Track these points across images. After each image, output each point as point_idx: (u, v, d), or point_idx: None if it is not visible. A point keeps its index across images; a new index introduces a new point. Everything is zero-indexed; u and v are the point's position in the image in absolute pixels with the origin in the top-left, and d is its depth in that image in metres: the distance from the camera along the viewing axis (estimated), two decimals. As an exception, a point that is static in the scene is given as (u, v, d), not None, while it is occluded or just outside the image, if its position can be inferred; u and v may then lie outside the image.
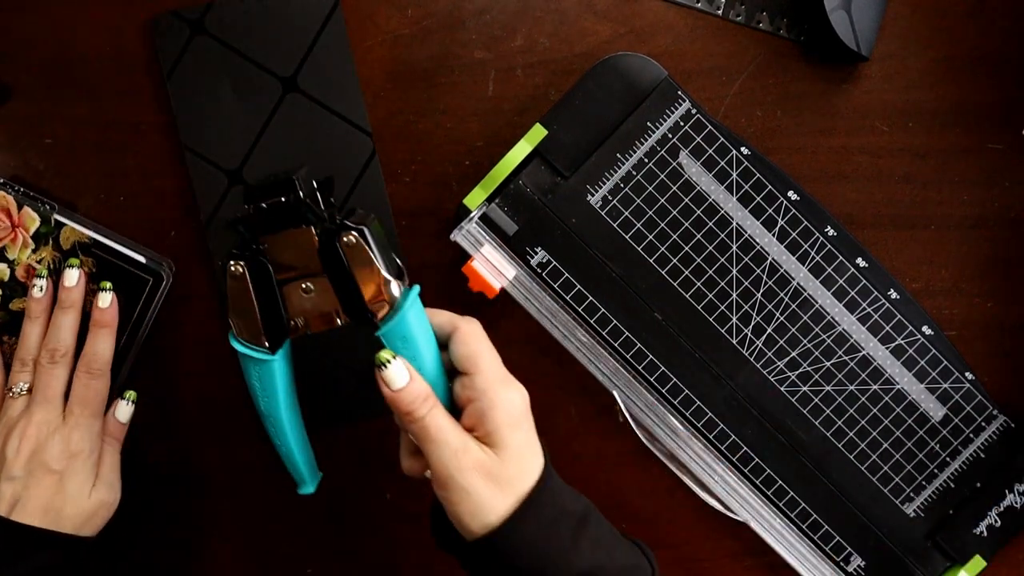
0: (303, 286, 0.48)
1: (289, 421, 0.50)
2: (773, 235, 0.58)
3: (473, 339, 0.46)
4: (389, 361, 0.44)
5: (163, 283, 0.58)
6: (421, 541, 0.61)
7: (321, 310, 0.48)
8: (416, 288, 0.48)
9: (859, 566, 0.58)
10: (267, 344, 0.48)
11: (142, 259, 0.58)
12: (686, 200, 0.58)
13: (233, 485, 0.61)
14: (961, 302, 0.60)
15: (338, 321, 0.48)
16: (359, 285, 0.47)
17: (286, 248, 0.47)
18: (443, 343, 0.48)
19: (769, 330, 0.58)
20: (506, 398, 0.45)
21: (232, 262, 0.47)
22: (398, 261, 0.48)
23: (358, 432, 0.61)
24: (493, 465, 0.43)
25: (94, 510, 0.53)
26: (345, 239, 0.47)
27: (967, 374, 0.58)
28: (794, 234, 0.58)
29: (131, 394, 0.56)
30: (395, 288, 0.47)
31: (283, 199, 0.46)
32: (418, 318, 0.47)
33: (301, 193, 0.46)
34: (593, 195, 0.57)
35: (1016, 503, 0.58)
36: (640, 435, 0.59)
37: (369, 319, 0.47)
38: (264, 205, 0.46)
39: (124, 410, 0.56)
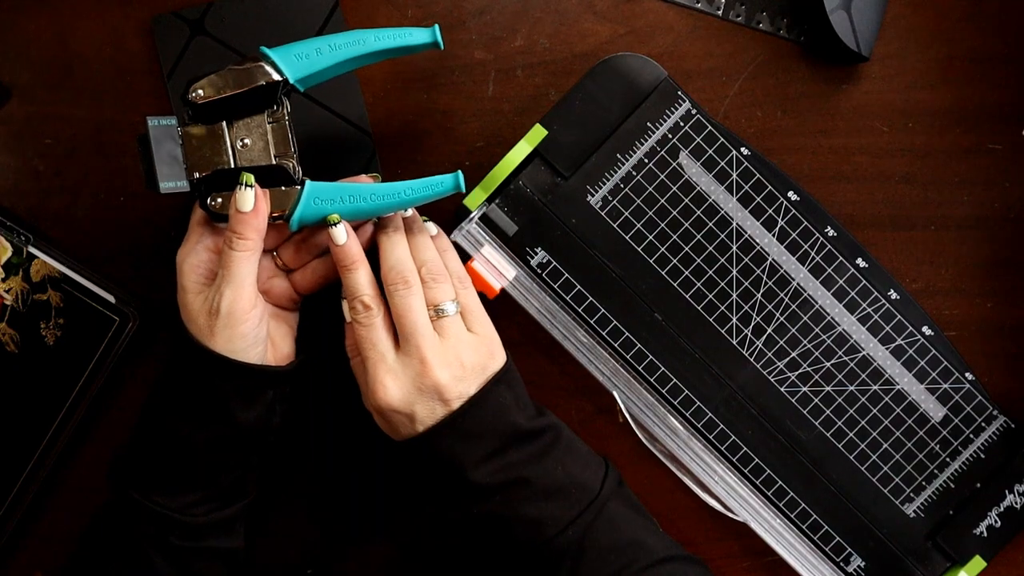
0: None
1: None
2: (773, 235, 0.58)
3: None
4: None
5: (128, 325, 0.57)
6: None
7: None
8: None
9: (859, 566, 0.58)
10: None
11: (111, 299, 0.57)
12: (686, 200, 0.58)
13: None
14: (961, 302, 0.60)
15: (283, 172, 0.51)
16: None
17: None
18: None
19: (769, 330, 0.58)
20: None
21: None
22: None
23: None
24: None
25: None
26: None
27: (967, 374, 0.58)
28: (794, 234, 0.58)
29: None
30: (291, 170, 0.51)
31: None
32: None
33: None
34: (593, 195, 0.57)
35: (1016, 503, 0.58)
36: (640, 435, 0.59)
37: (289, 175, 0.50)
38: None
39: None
